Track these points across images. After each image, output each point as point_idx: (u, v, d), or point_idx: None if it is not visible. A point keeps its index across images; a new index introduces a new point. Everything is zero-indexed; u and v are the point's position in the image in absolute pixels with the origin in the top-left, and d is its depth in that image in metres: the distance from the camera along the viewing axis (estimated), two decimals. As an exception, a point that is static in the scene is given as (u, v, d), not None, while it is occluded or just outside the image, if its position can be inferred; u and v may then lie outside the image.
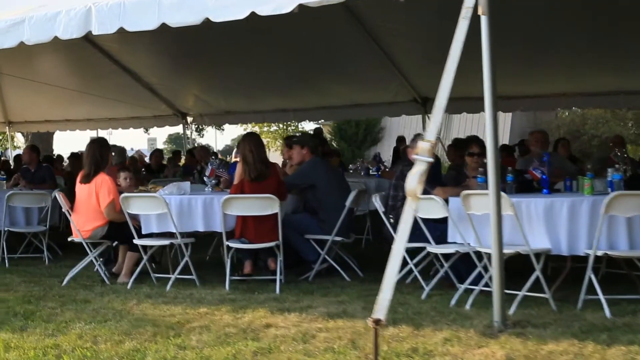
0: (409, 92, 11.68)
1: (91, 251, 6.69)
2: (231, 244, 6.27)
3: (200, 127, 28.07)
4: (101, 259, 6.73)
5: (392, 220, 6.16)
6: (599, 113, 22.38)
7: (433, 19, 8.20)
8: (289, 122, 28.25)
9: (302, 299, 5.69)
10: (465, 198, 5.38)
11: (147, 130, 28.46)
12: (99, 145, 6.74)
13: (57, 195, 6.75)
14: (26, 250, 8.16)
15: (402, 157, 12.73)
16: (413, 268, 6.07)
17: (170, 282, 6.23)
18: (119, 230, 6.59)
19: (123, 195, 6.32)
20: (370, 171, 10.77)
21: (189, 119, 14.68)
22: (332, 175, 6.85)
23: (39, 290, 6.27)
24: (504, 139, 23.63)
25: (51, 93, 13.04)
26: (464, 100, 11.52)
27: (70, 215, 6.69)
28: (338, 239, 6.57)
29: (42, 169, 9.21)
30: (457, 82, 11.56)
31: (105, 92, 12.91)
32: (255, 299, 5.75)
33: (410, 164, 6.19)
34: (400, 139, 14.10)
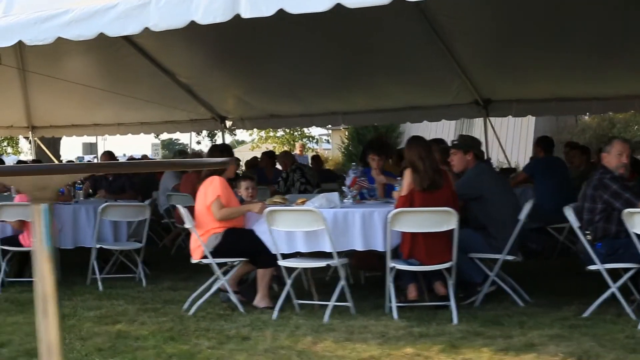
0: (470, 93, 10.85)
1: (222, 273, 5.70)
2: (398, 266, 5.34)
3: (214, 132, 26.94)
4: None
5: (589, 237, 5.29)
6: (628, 116, 21.77)
7: (502, 15, 7.58)
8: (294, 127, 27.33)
9: (508, 332, 4.78)
10: None
11: (157, 135, 27.26)
12: (219, 152, 5.90)
13: (180, 209, 5.74)
14: (109, 270, 7.14)
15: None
16: (616, 291, 5.19)
17: (329, 311, 5.27)
18: (241, 243, 5.64)
19: (269, 209, 5.36)
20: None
21: (228, 123, 13.67)
22: (500, 184, 5.95)
23: (171, 322, 5.28)
24: (529, 142, 22.99)
25: (79, 96, 12.04)
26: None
27: (195, 232, 5.71)
28: (509, 257, 5.67)
29: (120, 177, 8.18)
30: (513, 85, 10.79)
31: (138, 94, 11.92)
32: (448, 332, 4.83)
33: (607, 171, 5.35)
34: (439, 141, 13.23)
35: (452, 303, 5.25)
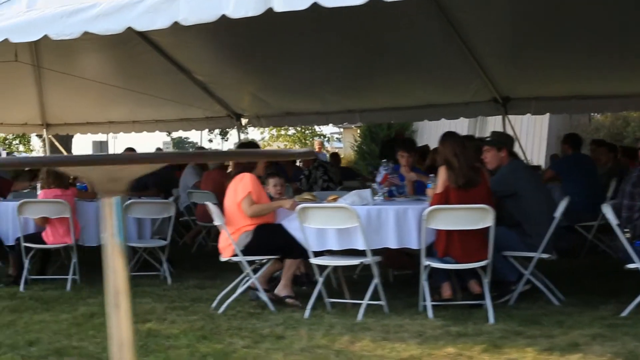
0: (489, 91, 10.68)
1: (252, 272, 5.61)
2: (433, 264, 5.23)
3: (225, 130, 26.86)
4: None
5: (628, 235, 5.17)
6: (644, 114, 21.54)
7: (521, 12, 7.46)
8: (305, 126, 27.24)
9: (548, 331, 4.67)
10: None
11: (170, 133, 27.22)
12: (246, 148, 5.78)
13: (210, 206, 5.63)
14: (132, 267, 7.04)
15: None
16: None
17: (362, 310, 5.17)
18: (272, 240, 5.54)
19: (301, 206, 5.26)
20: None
21: (244, 121, 13.54)
22: (534, 180, 5.82)
23: (201, 321, 5.19)
24: (542, 139, 22.81)
25: (93, 93, 11.97)
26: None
27: (226, 230, 5.61)
28: (545, 256, 5.55)
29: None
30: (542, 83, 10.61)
31: (153, 91, 11.81)
32: (486, 331, 4.72)
33: (646, 167, 5.23)
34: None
35: (488, 302, 5.14)
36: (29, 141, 21.29)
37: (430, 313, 5.14)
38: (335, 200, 5.55)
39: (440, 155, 5.46)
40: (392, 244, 5.30)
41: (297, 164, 10.72)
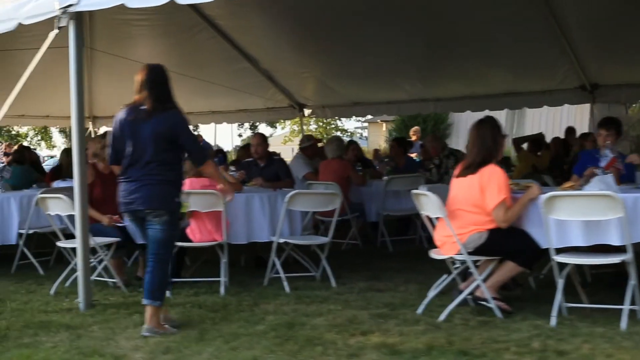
0: (578, 77, 9.94)
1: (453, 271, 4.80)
2: None
3: (255, 124, 25.96)
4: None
5: None
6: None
7: None
8: (327, 120, 26.51)
9: None
10: None
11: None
12: (490, 127, 4.85)
13: (430, 195, 4.76)
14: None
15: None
16: None
17: (625, 317, 4.33)
18: (506, 244, 4.71)
19: (550, 194, 4.43)
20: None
21: (307, 112, 12.69)
22: None
23: (433, 332, 4.34)
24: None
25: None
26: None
27: (449, 225, 4.76)
28: None
29: (273, 163, 7.20)
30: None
31: (213, 80, 10.95)
32: None
33: None
34: (570, 130, 12.35)
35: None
36: (51, 137, 20.19)
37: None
38: (573, 188, 4.73)
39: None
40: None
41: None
